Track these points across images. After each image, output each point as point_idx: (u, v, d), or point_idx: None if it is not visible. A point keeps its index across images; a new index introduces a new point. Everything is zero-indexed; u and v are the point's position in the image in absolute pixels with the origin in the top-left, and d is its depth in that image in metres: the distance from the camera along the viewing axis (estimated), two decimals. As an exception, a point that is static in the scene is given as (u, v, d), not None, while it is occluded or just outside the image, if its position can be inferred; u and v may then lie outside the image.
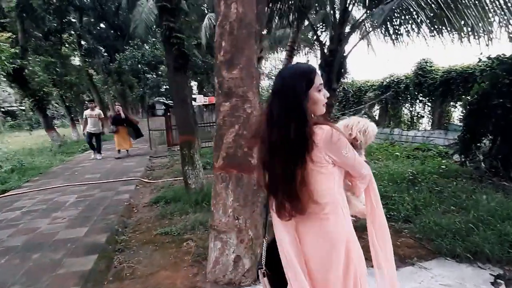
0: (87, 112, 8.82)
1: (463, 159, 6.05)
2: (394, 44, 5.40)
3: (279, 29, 10.76)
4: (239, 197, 2.58)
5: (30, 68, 11.62)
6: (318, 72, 1.30)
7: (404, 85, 10.64)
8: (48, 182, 6.64)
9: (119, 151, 9.50)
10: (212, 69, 15.10)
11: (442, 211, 3.75)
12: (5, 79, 11.42)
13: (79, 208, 4.73)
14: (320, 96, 1.28)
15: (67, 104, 14.61)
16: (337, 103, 14.36)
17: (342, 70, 6.01)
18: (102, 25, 19.19)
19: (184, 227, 3.77)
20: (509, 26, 4.66)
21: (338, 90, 13.49)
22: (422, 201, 3.99)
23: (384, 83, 11.46)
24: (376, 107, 12.40)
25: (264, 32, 12.40)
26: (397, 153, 7.36)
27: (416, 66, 10.03)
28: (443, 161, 6.50)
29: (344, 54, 5.97)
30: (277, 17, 6.92)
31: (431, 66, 9.70)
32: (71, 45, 18.14)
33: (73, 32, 17.74)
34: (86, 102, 9.68)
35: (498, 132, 5.47)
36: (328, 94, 1.34)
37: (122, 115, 9.16)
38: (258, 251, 2.64)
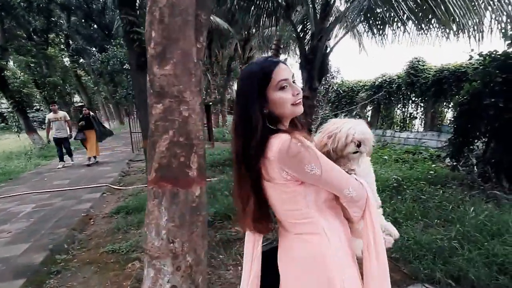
0: (50, 116, 7.91)
1: (454, 163, 5.66)
2: (376, 42, 5.03)
3: (267, 28, 10.40)
4: (174, 216, 2.16)
5: (10, 69, 11.24)
6: (282, 66, 1.06)
7: (396, 85, 10.25)
8: (13, 189, 6.22)
9: (89, 158, 8.54)
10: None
11: (425, 225, 3.34)
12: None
13: (30, 220, 4.31)
14: (283, 94, 1.04)
15: (51, 106, 14.12)
16: (330, 104, 13.99)
17: (325, 68, 5.61)
18: (91, 25, 18.78)
19: (135, 244, 3.36)
20: (502, 21, 4.31)
21: (329, 90, 13.21)
22: (404, 213, 3.59)
23: (376, 83, 11.06)
24: (369, 107, 12.00)
25: (254, 31, 12.06)
26: (385, 157, 6.96)
27: (408, 65, 9.63)
28: (433, 166, 6.10)
29: (327, 51, 5.60)
30: (265, 15, 6.58)
31: (423, 65, 9.31)
32: (58, 45, 17.77)
33: (61, 32, 17.39)
34: (53, 104, 8.47)
35: (491, 134, 5.08)
36: (299, 90, 1.08)
37: (91, 114, 8.46)
38: (199, 280, 2.23)
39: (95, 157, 8.65)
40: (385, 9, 4.55)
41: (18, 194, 5.66)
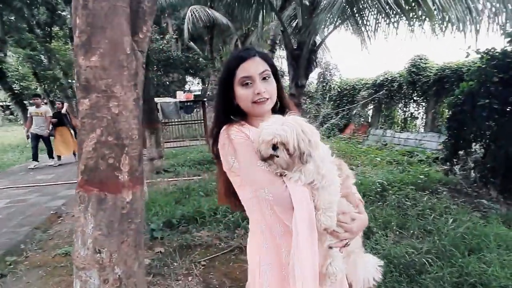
0: (32, 109, 7.31)
1: (449, 167, 5.35)
2: (363, 36, 4.73)
3: (265, 24, 10.12)
4: (101, 223, 1.96)
5: (9, 61, 11.25)
6: (254, 59, 1.03)
7: (397, 84, 9.86)
8: (-4, 183, 6.16)
9: (59, 157, 7.80)
10: (197, 64, 14.58)
11: (400, 236, 3.08)
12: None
13: (-2, 217, 4.20)
14: (243, 91, 1.03)
15: (51, 99, 14.18)
16: (331, 102, 13.63)
17: (312, 64, 5.34)
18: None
19: (92, 247, 3.19)
20: (499, 13, 3.97)
21: (327, 88, 12.88)
22: (381, 222, 3.32)
23: (378, 81, 10.67)
24: (370, 106, 11.62)
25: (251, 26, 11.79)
26: (378, 159, 6.64)
27: (410, 63, 9.23)
28: (427, 169, 5.76)
29: (315, 47, 5.34)
30: (264, 11, 6.33)
31: (425, 63, 8.90)
32: (61, 38, 17.79)
33: (65, 26, 17.39)
34: (35, 97, 7.81)
35: (484, 137, 4.75)
36: (261, 90, 1.01)
37: (64, 110, 7.80)
38: (130, 294, 2.04)
39: (59, 157, 7.92)
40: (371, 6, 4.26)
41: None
